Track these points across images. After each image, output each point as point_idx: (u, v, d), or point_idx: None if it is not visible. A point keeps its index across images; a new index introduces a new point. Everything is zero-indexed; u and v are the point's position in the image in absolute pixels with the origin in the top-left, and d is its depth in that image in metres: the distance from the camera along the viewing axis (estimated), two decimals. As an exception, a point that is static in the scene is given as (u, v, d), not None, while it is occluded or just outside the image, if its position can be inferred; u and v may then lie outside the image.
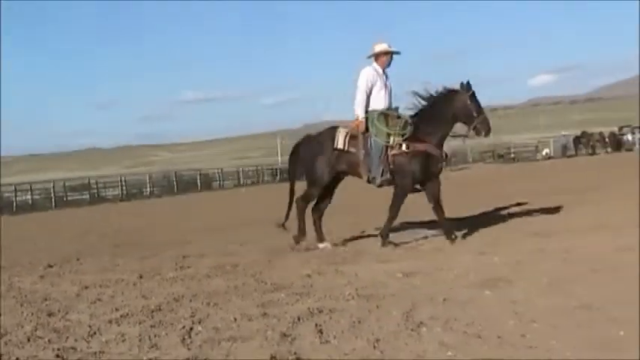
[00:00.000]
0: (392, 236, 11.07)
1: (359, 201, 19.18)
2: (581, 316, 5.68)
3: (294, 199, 11.68)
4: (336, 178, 11.55)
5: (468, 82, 11.19)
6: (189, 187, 59.26)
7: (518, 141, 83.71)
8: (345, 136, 11.11)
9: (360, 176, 11.25)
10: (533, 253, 9.02)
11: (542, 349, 4.90)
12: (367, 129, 11.03)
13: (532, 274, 7.64)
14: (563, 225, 11.48)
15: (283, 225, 11.74)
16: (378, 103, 11.20)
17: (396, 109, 11.40)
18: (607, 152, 60.66)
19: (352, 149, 11.11)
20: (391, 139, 10.89)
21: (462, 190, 24.85)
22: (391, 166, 10.89)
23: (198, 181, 62.76)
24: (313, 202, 11.67)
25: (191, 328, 6.25)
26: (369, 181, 11.19)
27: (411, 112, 11.29)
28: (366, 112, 11.13)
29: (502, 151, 72.92)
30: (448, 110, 11.15)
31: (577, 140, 65.89)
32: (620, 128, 67.06)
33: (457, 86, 11.19)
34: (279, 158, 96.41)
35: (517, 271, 7.84)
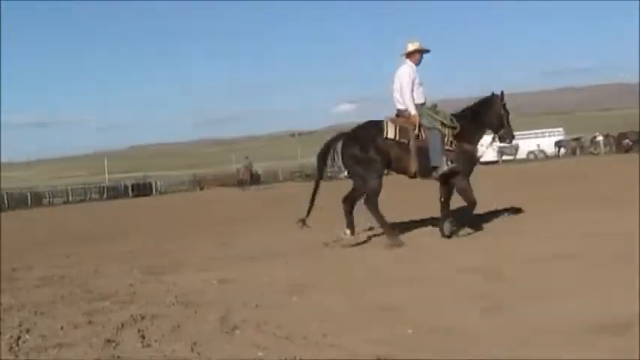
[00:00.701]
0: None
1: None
2: (376, 317, 5.82)
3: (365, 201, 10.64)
4: None
5: (502, 92, 11.16)
6: (20, 204, 56.67)
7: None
8: (395, 128, 10.39)
9: (404, 169, 10.68)
10: (336, 262, 9.19)
11: (341, 347, 4.98)
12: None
13: (334, 280, 7.78)
14: (358, 235, 11.76)
15: (304, 221, 10.80)
16: (419, 98, 10.66)
17: (435, 105, 10.96)
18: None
19: (404, 140, 10.41)
20: (445, 130, 10.48)
21: (276, 206, 25.17)
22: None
23: (29, 198, 60.15)
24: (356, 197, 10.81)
25: (19, 337, 5.97)
26: (414, 174, 10.66)
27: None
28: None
29: (309, 172, 73.92)
30: (486, 115, 11.02)
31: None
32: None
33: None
34: (107, 177, 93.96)
35: (321, 278, 7.96)
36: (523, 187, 22.38)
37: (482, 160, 47.90)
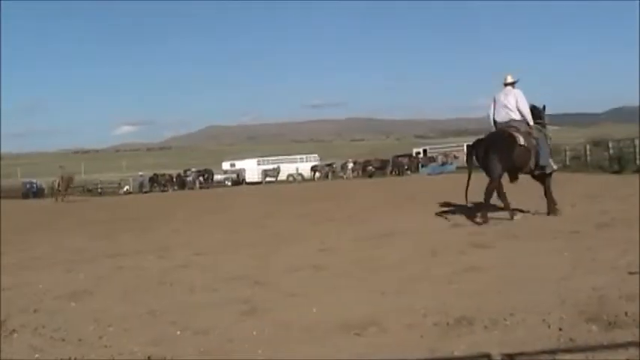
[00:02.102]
0: None
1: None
2: (148, 320, 5.74)
3: (493, 187, 11.50)
4: None
5: (544, 106, 12.51)
6: None
7: (105, 179, 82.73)
8: (524, 137, 11.63)
9: (524, 166, 11.85)
10: (113, 270, 8.94)
11: (115, 348, 4.88)
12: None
13: (110, 287, 7.57)
14: (134, 246, 11.56)
15: (466, 198, 12.06)
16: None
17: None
18: (174, 190, 61.88)
19: (530, 146, 11.68)
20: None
21: (57, 217, 24.08)
22: None
23: None
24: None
25: None
26: (528, 170, 11.94)
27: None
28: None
29: (91, 186, 71.68)
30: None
31: (152, 179, 66.62)
32: (185, 171, 69.08)
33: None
34: None
35: (98, 285, 7.70)
36: (286, 205, 22.90)
37: (248, 180, 48.13)
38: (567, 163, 38.48)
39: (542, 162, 11.90)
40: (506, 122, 11.92)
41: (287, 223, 14.73)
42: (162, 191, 61.55)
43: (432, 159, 65.88)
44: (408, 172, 61.03)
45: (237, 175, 66.71)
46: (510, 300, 5.39)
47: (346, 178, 60.65)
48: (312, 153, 75.40)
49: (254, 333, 5.09)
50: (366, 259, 8.43)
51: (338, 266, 8.03)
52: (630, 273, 6.02)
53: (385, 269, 7.57)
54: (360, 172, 62.98)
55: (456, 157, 64.55)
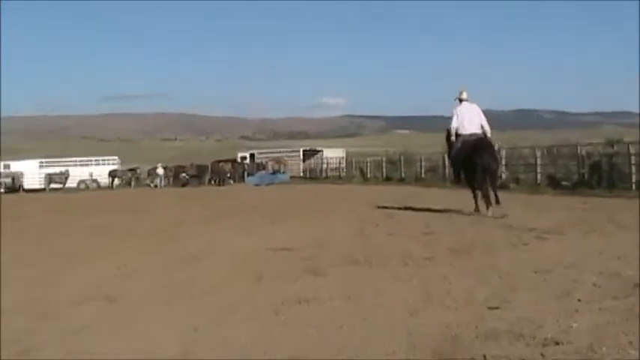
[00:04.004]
0: None
1: None
2: None
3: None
4: None
5: None
6: None
7: None
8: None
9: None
10: None
11: None
12: None
13: None
14: None
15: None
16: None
17: None
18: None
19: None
20: None
21: None
22: None
23: None
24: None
25: None
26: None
27: None
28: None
29: None
30: None
31: None
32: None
33: None
34: None
35: None
36: (76, 217, 22.33)
37: (27, 187, 46.64)
38: (422, 175, 39.63)
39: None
40: (470, 134, 15.62)
41: (76, 239, 14.34)
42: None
43: (261, 166, 66.19)
44: (231, 181, 61.09)
45: (13, 180, 63.92)
46: (351, 337, 5.47)
47: (154, 186, 59.89)
48: (111, 155, 73.92)
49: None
50: (175, 284, 8.34)
51: (140, 293, 7.90)
52: (490, 308, 6.24)
53: (199, 297, 7.52)
54: (172, 180, 62.41)
55: (284, 164, 65.33)
